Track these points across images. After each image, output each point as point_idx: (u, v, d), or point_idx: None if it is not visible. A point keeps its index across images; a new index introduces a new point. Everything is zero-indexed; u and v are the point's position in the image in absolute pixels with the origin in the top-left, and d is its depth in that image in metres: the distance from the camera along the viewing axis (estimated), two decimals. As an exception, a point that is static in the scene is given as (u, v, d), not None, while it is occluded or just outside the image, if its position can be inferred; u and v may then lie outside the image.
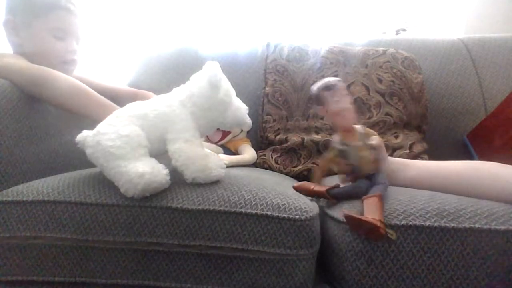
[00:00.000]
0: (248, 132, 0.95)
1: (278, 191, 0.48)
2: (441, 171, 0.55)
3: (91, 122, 0.52)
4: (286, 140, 0.89)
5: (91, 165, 0.49)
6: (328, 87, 0.50)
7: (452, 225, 0.39)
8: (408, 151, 0.84)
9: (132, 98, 0.85)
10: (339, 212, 0.45)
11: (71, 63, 0.77)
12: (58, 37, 0.74)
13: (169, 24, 1.64)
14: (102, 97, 0.66)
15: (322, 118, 0.89)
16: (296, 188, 0.54)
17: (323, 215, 0.51)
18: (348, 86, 0.89)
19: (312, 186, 0.53)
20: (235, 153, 0.90)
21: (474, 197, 0.47)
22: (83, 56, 0.81)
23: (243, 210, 0.44)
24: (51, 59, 0.72)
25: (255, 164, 0.91)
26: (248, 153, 0.88)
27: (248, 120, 0.56)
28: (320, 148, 0.86)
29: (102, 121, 0.50)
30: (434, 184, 0.53)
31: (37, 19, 0.72)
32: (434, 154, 0.88)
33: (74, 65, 0.78)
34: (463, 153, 0.93)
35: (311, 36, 1.30)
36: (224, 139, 0.89)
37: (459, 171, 0.53)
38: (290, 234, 0.43)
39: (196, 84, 0.51)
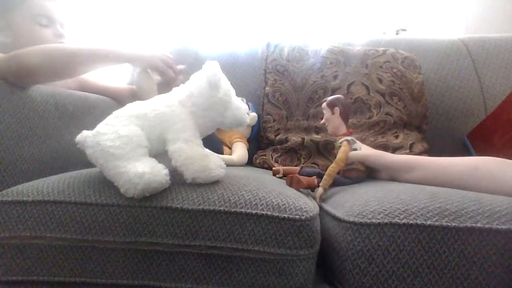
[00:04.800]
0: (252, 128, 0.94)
1: (278, 191, 0.48)
2: (443, 171, 0.55)
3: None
4: (286, 140, 0.89)
5: (91, 165, 0.49)
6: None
7: (454, 224, 0.39)
8: (408, 151, 0.84)
9: (131, 95, 0.86)
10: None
11: None
12: (42, 25, 0.74)
13: (169, 24, 1.64)
14: (74, 46, 0.66)
15: (322, 118, 0.89)
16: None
17: (323, 214, 0.51)
18: (348, 86, 0.89)
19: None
20: (229, 146, 0.89)
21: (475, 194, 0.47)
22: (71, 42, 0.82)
23: (243, 210, 0.44)
24: None
25: (254, 164, 0.91)
26: (238, 154, 0.85)
27: (248, 120, 0.56)
28: (320, 148, 0.86)
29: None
30: (436, 184, 0.54)
31: (14, 13, 0.71)
32: (434, 154, 0.88)
33: None
34: (463, 153, 0.93)
35: (311, 36, 1.30)
36: None
37: (461, 171, 0.53)
38: (290, 234, 0.43)
39: (196, 83, 0.51)
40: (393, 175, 0.62)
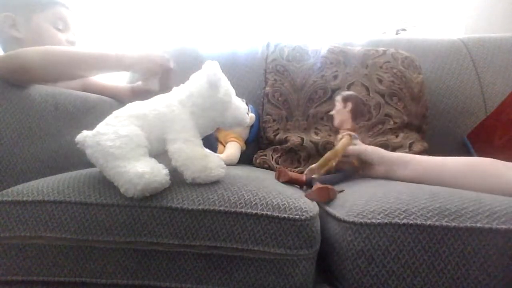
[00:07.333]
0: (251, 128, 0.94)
1: (278, 191, 0.48)
2: (438, 169, 0.56)
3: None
4: (285, 140, 0.89)
5: (91, 165, 0.49)
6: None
7: (454, 224, 0.39)
8: (407, 150, 0.84)
9: (132, 95, 0.86)
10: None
11: None
12: (58, 29, 0.80)
13: (169, 24, 1.64)
14: (80, 49, 0.67)
15: (322, 119, 0.89)
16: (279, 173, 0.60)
17: (323, 214, 0.51)
18: (348, 87, 0.89)
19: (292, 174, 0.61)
20: (224, 145, 0.88)
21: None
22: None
23: (243, 210, 0.44)
24: None
25: (255, 164, 0.91)
26: (228, 153, 0.84)
27: (248, 120, 0.56)
28: (319, 149, 0.86)
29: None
30: (431, 182, 0.55)
31: (37, 13, 0.77)
32: (434, 154, 0.88)
33: None
34: (463, 153, 0.93)
35: (311, 36, 1.30)
36: None
37: (457, 170, 0.54)
38: (290, 234, 0.43)
39: (196, 83, 0.51)
40: (388, 171, 0.62)
